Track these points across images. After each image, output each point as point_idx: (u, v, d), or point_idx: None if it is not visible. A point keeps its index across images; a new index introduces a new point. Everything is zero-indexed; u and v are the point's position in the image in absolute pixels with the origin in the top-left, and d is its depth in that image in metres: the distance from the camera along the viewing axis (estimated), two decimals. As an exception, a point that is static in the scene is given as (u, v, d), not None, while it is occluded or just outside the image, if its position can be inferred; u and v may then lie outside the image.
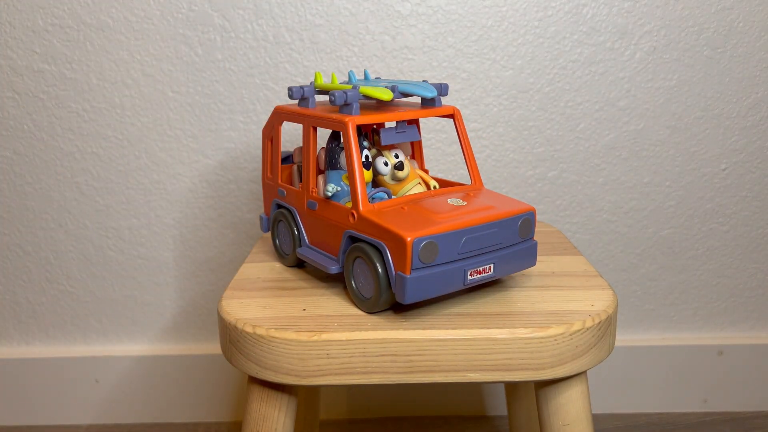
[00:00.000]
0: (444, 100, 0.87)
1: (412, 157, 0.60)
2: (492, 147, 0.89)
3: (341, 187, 0.52)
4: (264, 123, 0.88)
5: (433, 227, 0.45)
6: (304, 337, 0.45)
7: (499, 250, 0.48)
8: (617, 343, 0.95)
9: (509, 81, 0.86)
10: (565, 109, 0.87)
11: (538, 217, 0.91)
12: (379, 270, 0.46)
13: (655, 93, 0.87)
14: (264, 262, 0.60)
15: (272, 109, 0.87)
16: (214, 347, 0.96)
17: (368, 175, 0.51)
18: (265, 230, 0.61)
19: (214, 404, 0.97)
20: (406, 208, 0.48)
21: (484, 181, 0.90)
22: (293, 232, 0.56)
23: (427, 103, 0.54)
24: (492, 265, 0.48)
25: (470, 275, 0.47)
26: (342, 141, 0.52)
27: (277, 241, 0.59)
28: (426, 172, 0.60)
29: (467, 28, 0.85)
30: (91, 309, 0.95)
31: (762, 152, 0.89)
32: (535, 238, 0.52)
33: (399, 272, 0.44)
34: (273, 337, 0.46)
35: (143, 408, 0.97)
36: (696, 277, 0.94)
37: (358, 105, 0.50)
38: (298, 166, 0.60)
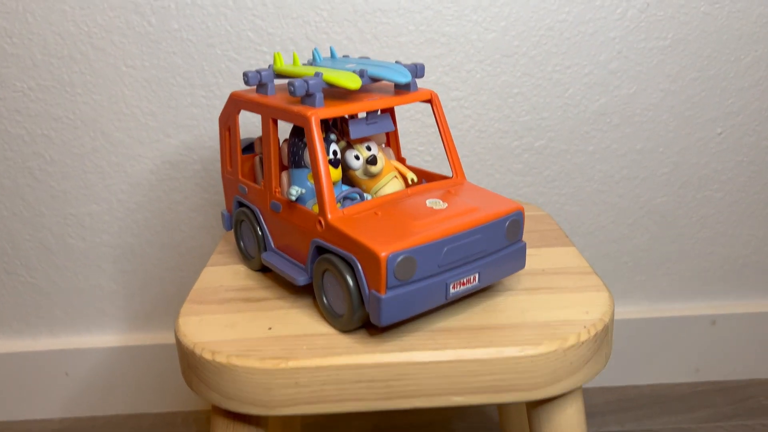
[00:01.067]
0: (425, 71, 0.80)
1: (387, 144, 0.54)
2: (475, 117, 0.83)
3: (306, 187, 0.46)
4: (227, 96, 0.81)
5: (410, 238, 0.40)
6: (269, 364, 0.40)
7: (485, 257, 0.43)
8: (608, 316, 0.91)
9: (492, 44, 0.80)
10: (552, 74, 0.81)
11: (524, 190, 0.86)
12: (351, 286, 0.41)
13: (648, 54, 0.81)
14: (228, 264, 0.55)
15: (234, 86, 0.80)
16: (188, 335, 0.91)
17: (336, 173, 0.46)
18: (228, 228, 0.56)
19: (191, 392, 0.94)
20: (379, 213, 0.43)
21: (467, 154, 0.84)
22: (257, 234, 0.51)
23: (401, 88, 0.48)
24: (477, 275, 0.43)
25: (453, 288, 0.42)
26: (305, 136, 0.46)
27: (242, 243, 0.54)
28: (403, 161, 0.54)
29: (445, -13, 0.77)
30: (55, 300, 0.89)
31: (760, 114, 0.84)
32: (523, 238, 0.47)
33: (373, 291, 0.39)
34: (235, 366, 0.41)
35: (118, 399, 0.93)
36: (689, 246, 0.90)
37: (322, 95, 0.44)
38: (260, 158, 0.55)
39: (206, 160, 0.83)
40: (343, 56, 0.54)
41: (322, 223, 0.43)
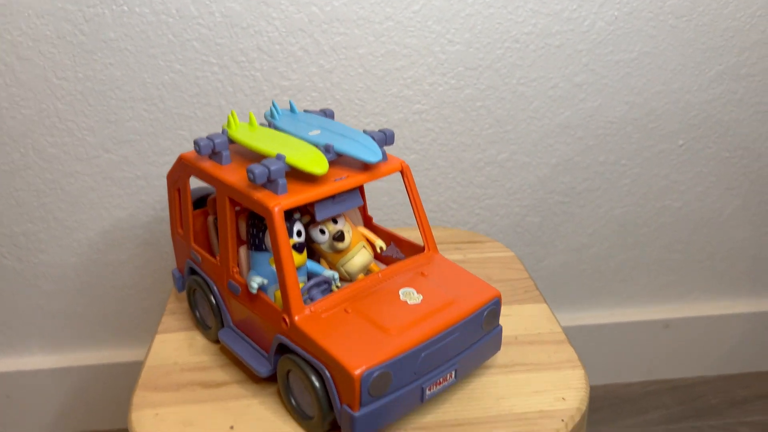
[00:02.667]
0: (382, 82, 0.76)
1: (353, 205, 0.51)
2: (437, 130, 0.79)
3: (268, 274, 0.42)
4: (171, 110, 0.75)
5: (386, 350, 0.37)
6: (234, 481, 0.38)
7: (462, 352, 0.41)
8: (564, 323, 0.92)
9: (456, 57, 0.76)
10: (517, 87, 0.78)
11: (486, 202, 0.84)
12: (320, 393, 0.38)
13: (615, 67, 0.79)
14: (181, 331, 0.51)
15: (179, 99, 0.74)
16: (135, 353, 0.87)
17: (301, 258, 0.42)
18: (180, 290, 0.52)
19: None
20: (350, 310, 0.40)
21: (429, 167, 0.81)
22: (213, 306, 0.47)
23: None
24: (454, 372, 0.41)
25: (429, 390, 0.40)
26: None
27: (197, 312, 0.50)
28: (370, 220, 0.51)
29: (408, -2, 0.72)
30: (-10, 322, 0.84)
31: (720, 126, 0.84)
32: (495, 288, 0.44)
33: (345, 406, 0.37)
34: (196, 482, 0.38)
35: (64, 420, 0.89)
36: (646, 253, 0.91)
37: (285, 181, 0.40)
38: (214, 220, 0.50)
39: (151, 175, 0.78)
40: (304, 110, 0.49)
41: (287, 321, 0.39)
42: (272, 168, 0.39)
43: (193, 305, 0.50)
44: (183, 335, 0.51)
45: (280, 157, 0.40)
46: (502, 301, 0.54)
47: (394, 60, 0.75)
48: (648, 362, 0.97)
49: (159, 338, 0.50)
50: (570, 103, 0.80)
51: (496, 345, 0.44)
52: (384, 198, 0.82)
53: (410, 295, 0.41)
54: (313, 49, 0.74)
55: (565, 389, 0.44)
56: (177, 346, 0.50)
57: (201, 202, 0.52)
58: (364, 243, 0.46)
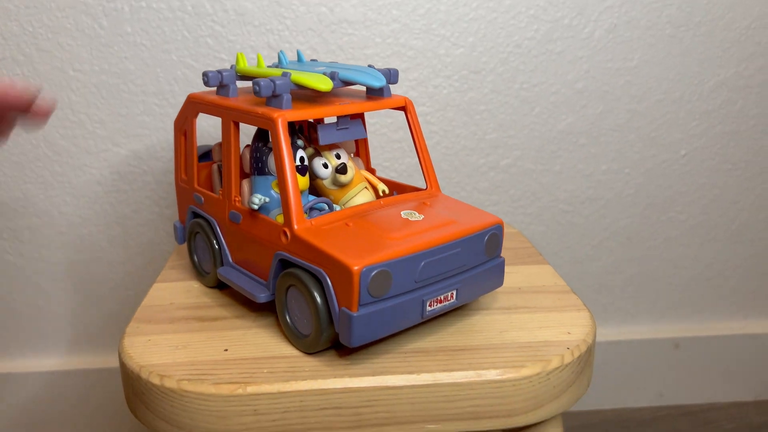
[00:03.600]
0: (392, 85, 0.77)
1: (356, 154, 0.51)
2: (441, 133, 0.81)
3: (270, 196, 0.42)
4: (182, 105, 0.76)
5: (386, 251, 0.36)
6: (224, 390, 0.36)
7: (463, 272, 0.40)
8: (572, 340, 0.89)
9: (460, 60, 0.78)
10: (519, 92, 0.80)
11: (490, 209, 0.84)
12: (319, 303, 0.37)
13: (615, 74, 0.81)
14: (179, 281, 0.51)
15: (191, 90, 0.76)
16: (134, 359, 0.85)
17: (304, 181, 0.42)
18: (181, 242, 0.52)
19: (137, 421, 0.87)
20: (351, 224, 0.40)
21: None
22: (213, 247, 0.46)
23: (374, 93, 0.45)
24: (455, 292, 0.40)
25: (429, 306, 0.39)
26: (270, 141, 0.42)
27: (195, 257, 0.50)
28: (373, 172, 0.51)
29: (414, 0, 0.75)
30: (-14, 321, 0.82)
31: (722, 137, 0.85)
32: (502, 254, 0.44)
33: (344, 308, 0.36)
34: (186, 392, 0.36)
35: (57, 426, 0.86)
36: (653, 268, 0.90)
37: (290, 96, 0.40)
38: (218, 166, 0.51)
39: (158, 171, 0.78)
40: (311, 60, 0.51)
41: (288, 234, 0.39)
42: (278, 82, 0.40)
43: (192, 251, 0.50)
44: (181, 284, 0.50)
45: (285, 75, 0.41)
46: (506, 262, 0.53)
47: (400, 61, 0.77)
48: (658, 385, 0.93)
49: (156, 286, 0.50)
50: (572, 109, 0.81)
51: (498, 277, 0.43)
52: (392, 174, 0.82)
53: (412, 215, 0.41)
54: (321, 48, 0.76)
55: (571, 326, 0.43)
56: (174, 290, 0.49)
57: (204, 158, 0.53)
58: (366, 184, 0.46)
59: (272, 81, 0.40)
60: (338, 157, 0.45)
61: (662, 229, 0.88)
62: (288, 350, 0.40)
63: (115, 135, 0.77)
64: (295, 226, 0.39)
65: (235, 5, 0.74)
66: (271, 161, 0.42)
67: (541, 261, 0.54)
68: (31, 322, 0.83)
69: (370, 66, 0.46)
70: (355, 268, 0.35)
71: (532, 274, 0.51)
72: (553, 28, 0.78)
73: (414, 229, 0.39)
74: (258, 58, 0.47)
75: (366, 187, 0.46)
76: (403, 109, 0.45)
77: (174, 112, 0.77)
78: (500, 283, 0.43)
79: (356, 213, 0.41)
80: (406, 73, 0.78)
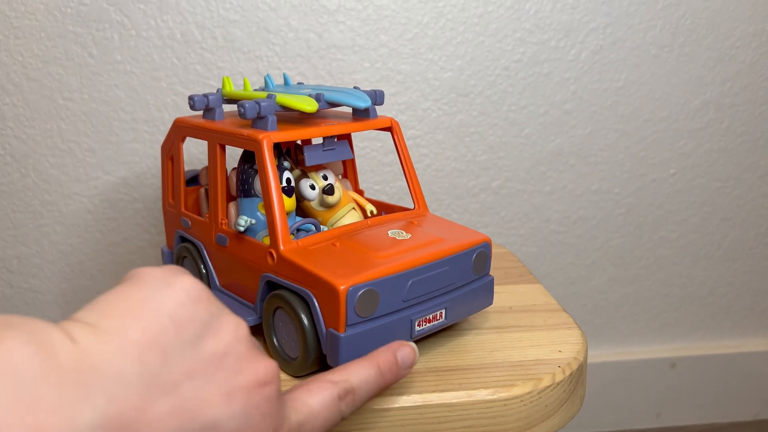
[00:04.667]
0: (379, 109, 0.78)
1: (344, 176, 0.51)
2: (431, 156, 0.81)
3: (257, 218, 0.42)
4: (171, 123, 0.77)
5: (372, 270, 0.36)
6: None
7: (451, 291, 0.40)
8: (568, 361, 0.89)
9: (448, 83, 0.79)
10: (508, 114, 0.81)
11: (482, 230, 0.84)
12: (306, 324, 0.37)
13: (602, 95, 0.81)
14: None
15: (182, 118, 0.76)
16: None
17: (290, 203, 0.42)
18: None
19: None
20: (338, 244, 0.39)
21: (424, 193, 0.82)
22: (200, 271, 0.46)
23: (360, 114, 0.45)
24: (444, 311, 0.39)
25: (418, 325, 0.38)
26: (256, 162, 0.42)
27: (183, 282, 0.49)
28: (361, 193, 0.51)
29: (401, 25, 0.76)
30: (-26, 352, 0.81)
31: (710, 155, 0.85)
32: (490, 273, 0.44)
33: (330, 329, 0.36)
34: None
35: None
36: (647, 287, 0.89)
37: (275, 118, 0.40)
38: (205, 190, 0.51)
39: (148, 198, 0.78)
40: (298, 83, 0.51)
41: (274, 255, 0.39)
42: (262, 104, 0.40)
43: (180, 275, 0.49)
44: (169, 309, 0.49)
45: (270, 96, 0.41)
46: (496, 281, 0.53)
47: (389, 85, 0.78)
48: (656, 406, 0.92)
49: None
50: (561, 130, 0.82)
51: (487, 296, 0.42)
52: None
53: (399, 234, 0.41)
54: (310, 74, 0.77)
55: (562, 344, 0.43)
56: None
57: (192, 182, 0.53)
58: (354, 205, 0.46)
59: (257, 103, 0.40)
60: (325, 178, 0.45)
61: (654, 248, 0.88)
62: (276, 373, 0.39)
63: (105, 163, 0.77)
64: (281, 247, 0.38)
65: (223, 32, 0.74)
66: (257, 183, 0.42)
67: (532, 280, 0.53)
68: (19, 353, 0.82)
69: (355, 87, 0.46)
70: (342, 287, 0.35)
71: (522, 293, 0.51)
72: (539, 50, 0.79)
73: (401, 248, 0.39)
74: (244, 82, 0.47)
75: (354, 208, 0.46)
76: (389, 129, 0.45)
77: (163, 139, 0.77)
78: (490, 302, 0.43)
79: (343, 233, 0.41)
80: (396, 97, 0.78)
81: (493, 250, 0.61)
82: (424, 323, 0.38)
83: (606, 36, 0.79)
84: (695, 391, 0.92)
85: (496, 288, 0.52)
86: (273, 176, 0.39)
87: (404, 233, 0.41)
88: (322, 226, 0.44)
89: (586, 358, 0.42)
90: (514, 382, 0.38)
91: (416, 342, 0.43)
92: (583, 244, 0.87)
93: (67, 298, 0.81)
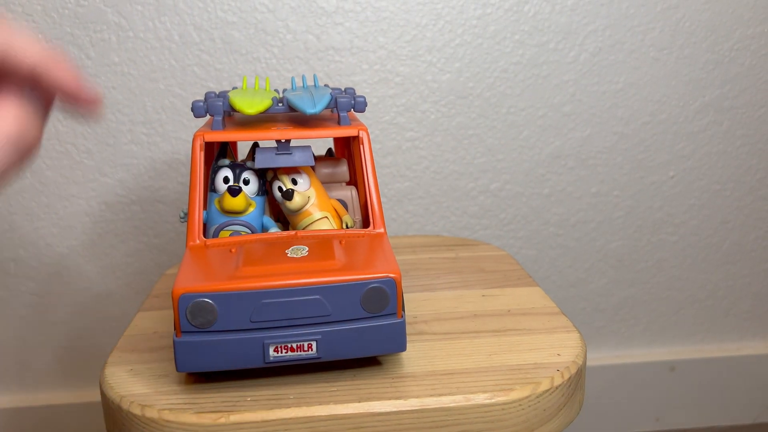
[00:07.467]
0: (378, 111, 0.78)
1: (350, 183, 0.51)
2: (430, 158, 0.81)
3: (213, 215, 0.43)
4: (169, 134, 0.76)
5: (217, 283, 0.36)
6: (207, 419, 0.35)
7: (328, 324, 0.37)
8: (567, 364, 0.88)
9: (447, 85, 0.79)
10: (507, 116, 0.80)
11: (481, 233, 0.84)
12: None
13: (601, 97, 0.81)
14: (164, 309, 0.50)
15: (178, 123, 0.76)
16: (122, 392, 0.83)
17: (235, 202, 0.42)
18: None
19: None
20: (234, 250, 0.40)
21: (423, 195, 0.82)
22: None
23: (343, 121, 0.44)
24: (314, 343, 0.37)
25: (274, 351, 0.37)
26: (216, 159, 0.44)
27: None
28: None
29: (400, 27, 0.76)
30: (-30, 355, 0.81)
31: (709, 158, 0.85)
32: (399, 270, 0.38)
33: (174, 333, 0.36)
34: (167, 422, 0.36)
35: (39, 466, 0.84)
36: (646, 290, 0.89)
37: (220, 117, 0.41)
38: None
39: (145, 200, 0.78)
40: (324, 85, 0.51)
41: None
42: (212, 103, 0.41)
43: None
44: (165, 312, 0.49)
45: (222, 95, 0.42)
46: (494, 284, 0.53)
47: (387, 87, 0.78)
48: (655, 409, 0.92)
49: (140, 315, 0.49)
50: (559, 132, 0.82)
51: (393, 338, 0.38)
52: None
53: (299, 251, 0.39)
54: (309, 76, 0.76)
55: (561, 348, 0.42)
56: (158, 319, 0.48)
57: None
58: (330, 214, 0.45)
59: (206, 103, 0.41)
60: (294, 182, 0.44)
61: (653, 250, 0.88)
62: (272, 378, 0.39)
63: (103, 165, 0.77)
64: (189, 243, 0.40)
65: (221, 34, 0.74)
66: (217, 179, 0.43)
67: (530, 283, 0.53)
68: (15, 355, 0.81)
69: (348, 89, 0.46)
70: (176, 293, 0.35)
71: (521, 296, 0.50)
72: (538, 53, 0.79)
73: (278, 267, 0.37)
74: (266, 81, 0.48)
75: (327, 217, 0.45)
76: (355, 138, 0.45)
77: (161, 141, 0.76)
78: (400, 346, 0.38)
79: (253, 241, 0.41)
80: (394, 99, 0.78)
81: (492, 253, 0.61)
82: (283, 350, 0.37)
83: (605, 38, 0.79)
84: (695, 394, 0.92)
85: (494, 291, 0.52)
86: (199, 174, 0.41)
87: (306, 250, 0.40)
88: (273, 226, 0.44)
89: (585, 362, 0.42)
90: (512, 386, 0.38)
91: (410, 343, 0.42)
92: (582, 246, 0.86)
93: (64, 300, 0.80)
